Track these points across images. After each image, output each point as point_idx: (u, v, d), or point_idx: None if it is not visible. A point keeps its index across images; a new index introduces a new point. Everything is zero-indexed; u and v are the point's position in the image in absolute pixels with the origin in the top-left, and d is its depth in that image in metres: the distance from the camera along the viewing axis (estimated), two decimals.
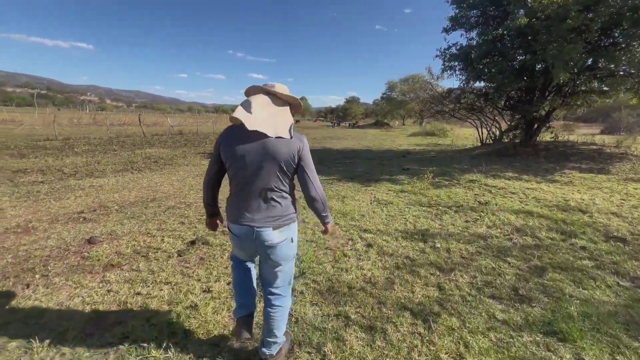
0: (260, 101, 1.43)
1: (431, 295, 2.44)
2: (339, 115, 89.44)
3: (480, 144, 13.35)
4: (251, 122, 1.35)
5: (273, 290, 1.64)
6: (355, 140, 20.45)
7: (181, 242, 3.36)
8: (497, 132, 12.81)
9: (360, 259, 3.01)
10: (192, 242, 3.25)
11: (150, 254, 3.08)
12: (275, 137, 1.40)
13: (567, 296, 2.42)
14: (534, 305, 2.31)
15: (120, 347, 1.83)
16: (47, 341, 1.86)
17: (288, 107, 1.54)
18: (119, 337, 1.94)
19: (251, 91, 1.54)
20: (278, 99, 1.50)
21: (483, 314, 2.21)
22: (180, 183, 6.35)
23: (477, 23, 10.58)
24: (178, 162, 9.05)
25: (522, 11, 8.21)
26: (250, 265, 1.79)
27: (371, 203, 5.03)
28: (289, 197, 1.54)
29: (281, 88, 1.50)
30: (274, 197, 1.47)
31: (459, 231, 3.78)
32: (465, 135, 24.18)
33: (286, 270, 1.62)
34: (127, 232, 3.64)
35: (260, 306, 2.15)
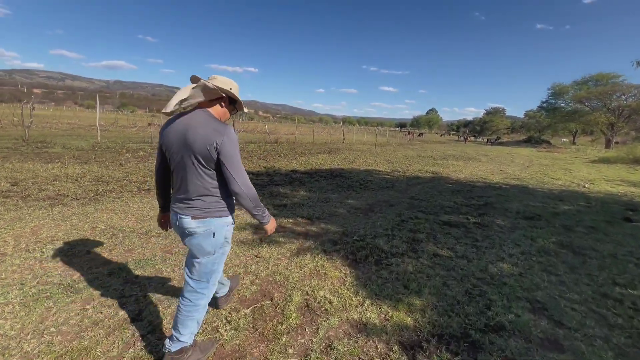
0: (186, 88, 1.41)
1: None
2: (475, 129, 75.51)
3: None
4: (166, 105, 1.38)
5: (188, 279, 1.58)
6: (495, 164, 13.29)
7: None
8: None
9: None
10: None
11: None
12: (192, 129, 1.36)
13: None
14: None
15: None
16: None
17: (213, 98, 1.45)
18: None
19: (191, 80, 1.48)
20: (210, 90, 1.41)
21: None
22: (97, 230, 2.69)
23: None
24: None
25: None
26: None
27: None
28: (215, 193, 1.47)
29: (220, 80, 1.47)
30: (197, 190, 1.43)
31: None
32: None
33: (205, 264, 1.55)
34: None
35: None
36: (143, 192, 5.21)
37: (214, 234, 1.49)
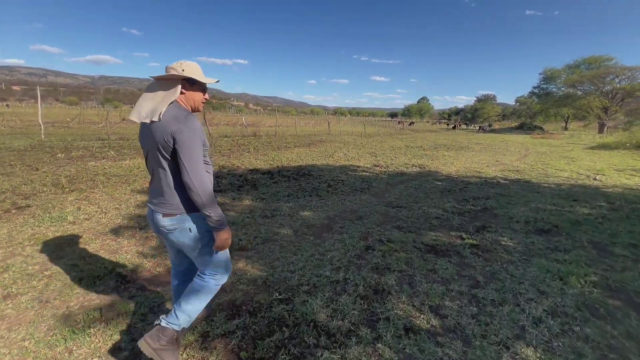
0: (147, 89, 1.35)
1: None
2: (466, 116, 74.74)
3: None
4: (132, 112, 1.33)
5: (197, 267, 1.54)
6: (489, 153, 12.04)
7: None
8: None
9: None
10: None
11: None
12: (150, 122, 1.29)
13: None
14: None
15: None
16: None
17: (172, 88, 1.33)
18: None
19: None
20: (167, 81, 1.35)
21: None
22: None
23: None
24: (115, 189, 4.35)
25: None
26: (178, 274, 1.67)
27: None
28: (176, 185, 1.35)
29: (172, 69, 1.34)
30: (162, 184, 1.36)
31: None
32: None
33: (197, 257, 1.47)
34: None
35: None
36: (14, 211, 3.73)
37: (189, 229, 1.39)
